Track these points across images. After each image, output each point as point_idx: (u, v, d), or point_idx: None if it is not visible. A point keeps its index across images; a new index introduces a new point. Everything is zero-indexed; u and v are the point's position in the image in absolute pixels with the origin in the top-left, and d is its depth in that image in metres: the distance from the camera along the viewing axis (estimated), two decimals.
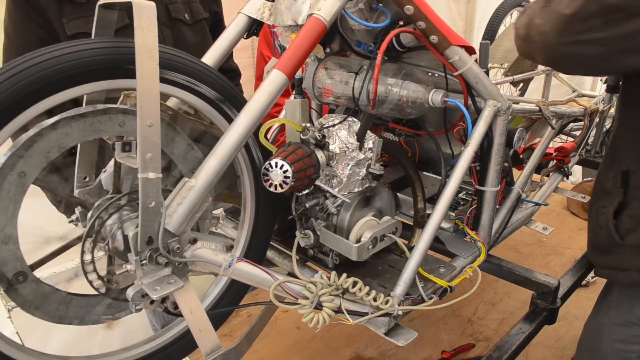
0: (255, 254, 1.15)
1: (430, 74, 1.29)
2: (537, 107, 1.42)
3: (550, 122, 1.43)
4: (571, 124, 2.00)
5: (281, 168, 0.97)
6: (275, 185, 0.98)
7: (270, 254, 1.32)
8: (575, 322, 1.90)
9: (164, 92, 0.93)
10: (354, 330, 1.61)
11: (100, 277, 0.88)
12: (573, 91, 2.93)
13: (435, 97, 1.15)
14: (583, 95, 2.84)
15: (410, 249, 1.22)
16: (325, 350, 1.75)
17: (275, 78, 0.92)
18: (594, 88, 5.63)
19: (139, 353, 1.02)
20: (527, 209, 1.56)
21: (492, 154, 1.23)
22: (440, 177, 1.63)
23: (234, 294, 1.11)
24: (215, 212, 1.47)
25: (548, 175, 1.80)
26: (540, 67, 2.77)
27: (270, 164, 0.97)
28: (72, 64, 0.81)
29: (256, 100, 0.91)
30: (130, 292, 0.87)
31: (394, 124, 1.50)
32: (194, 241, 0.91)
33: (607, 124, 2.17)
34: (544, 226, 1.53)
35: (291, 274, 1.26)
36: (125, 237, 0.86)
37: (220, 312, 1.07)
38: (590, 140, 2.14)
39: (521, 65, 2.69)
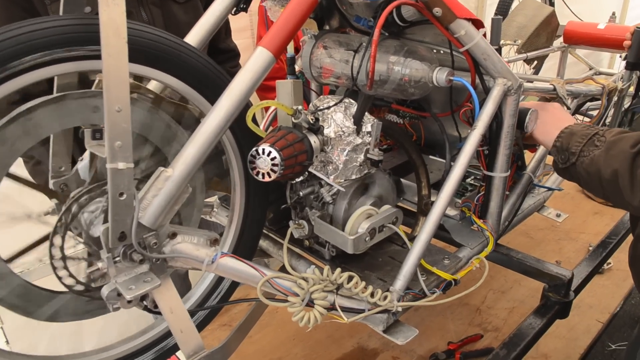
0: (246, 245, 1.09)
1: (435, 50, 1.20)
2: (551, 86, 1.32)
3: (565, 102, 1.32)
4: (588, 104, 1.89)
5: (268, 155, 0.89)
6: (263, 174, 0.90)
7: (264, 244, 1.25)
8: (589, 311, 1.81)
9: (140, 74, 0.86)
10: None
11: (71, 274, 0.82)
12: (590, 69, 2.80)
13: (440, 75, 1.06)
14: (600, 73, 2.71)
15: (412, 239, 1.14)
16: (327, 340, 1.69)
17: (259, 56, 0.84)
18: (611, 65, 5.46)
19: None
20: (539, 194, 1.47)
21: (502, 137, 1.14)
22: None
23: (224, 289, 1.05)
24: (209, 200, 1.41)
25: None
26: (556, 44, 2.65)
27: (257, 150, 0.90)
28: (34, 43, 0.74)
29: (239, 82, 0.83)
30: (105, 291, 0.80)
31: (397, 106, 1.41)
32: (173, 235, 0.84)
33: (626, 102, 2.06)
34: (557, 213, 1.44)
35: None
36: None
37: (207, 309, 1.01)
38: (608, 120, 2.03)
39: (535, 42, 2.56)
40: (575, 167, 1.06)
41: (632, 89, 2.02)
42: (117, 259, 0.79)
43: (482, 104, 1.10)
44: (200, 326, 1.03)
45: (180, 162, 0.80)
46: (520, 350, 1.07)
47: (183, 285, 2.11)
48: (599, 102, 1.85)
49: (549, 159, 1.62)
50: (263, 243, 1.26)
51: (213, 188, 1.16)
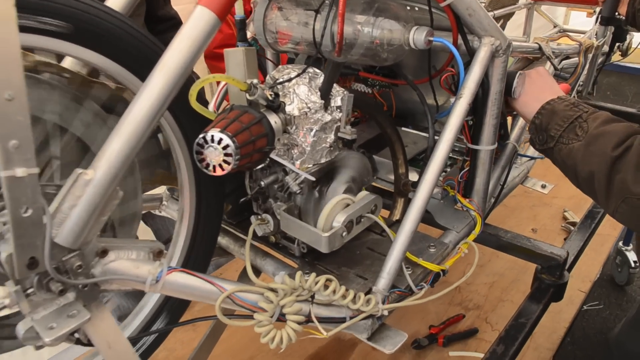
0: (201, 249, 0.92)
1: (409, 7, 1.03)
2: (536, 44, 1.18)
3: (553, 61, 1.20)
4: (562, 62, 1.78)
5: (219, 143, 0.71)
6: (214, 166, 0.73)
7: (224, 241, 1.09)
8: (570, 280, 1.74)
9: (46, 49, 0.67)
10: None
11: None
12: (554, 27, 2.70)
13: (418, 36, 0.90)
14: (565, 31, 2.61)
15: (392, 225, 1.00)
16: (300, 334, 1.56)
17: (199, 18, 0.66)
18: (566, 22, 5.44)
19: None
20: (522, 164, 1.36)
21: (488, 105, 1.00)
22: (422, 134, 1.43)
23: (174, 305, 0.88)
24: (154, 192, 1.22)
25: None
26: (522, 1, 2.52)
27: (204, 138, 0.72)
28: None
29: (174, 52, 0.65)
30: (20, 329, 0.63)
31: (365, 73, 1.25)
32: (103, 253, 0.66)
33: (600, 61, 1.97)
34: (542, 183, 1.33)
35: (253, 266, 1.04)
36: None
37: (154, 333, 0.84)
38: (581, 79, 1.94)
39: None
40: (552, 151, 0.94)
41: (606, 47, 1.93)
42: (30, 290, 0.61)
43: (465, 68, 0.95)
44: (149, 352, 0.87)
45: (104, 160, 0.62)
46: (518, 344, 0.97)
47: None
48: (572, 60, 1.75)
49: None
50: (222, 240, 1.09)
51: (159, 182, 0.98)
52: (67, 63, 0.79)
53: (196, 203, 0.89)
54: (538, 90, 1.03)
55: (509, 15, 2.46)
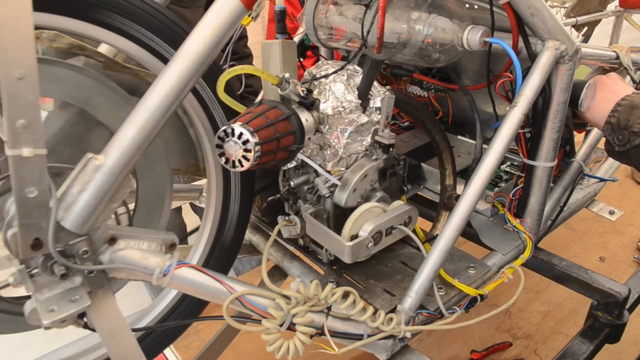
0: (223, 247, 0.90)
1: (467, 5, 0.95)
2: (613, 53, 1.05)
3: (631, 73, 1.06)
4: None
5: (239, 137, 0.68)
6: (234, 162, 0.70)
7: (255, 239, 1.07)
8: (636, 319, 1.56)
9: (81, 33, 0.66)
10: None
11: None
12: None
13: (472, 36, 0.83)
14: None
15: (433, 239, 0.93)
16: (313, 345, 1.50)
17: (224, 6, 0.62)
18: None
19: None
20: (589, 185, 1.23)
21: (549, 117, 0.90)
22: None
23: (193, 302, 0.86)
24: (197, 183, 1.22)
25: None
26: (610, 7, 2.32)
27: (224, 131, 0.69)
28: None
29: (195, 41, 0.62)
30: (26, 308, 0.63)
31: (419, 75, 1.17)
32: (112, 240, 0.65)
33: None
34: (610, 209, 1.19)
35: (279, 267, 1.01)
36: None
37: (167, 326, 0.83)
38: None
39: (587, 4, 2.24)
40: (638, 150, 0.82)
41: None
42: (35, 271, 0.61)
43: (525, 74, 0.86)
44: (160, 347, 0.85)
45: (115, 147, 0.60)
46: None
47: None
48: None
49: (601, 144, 1.37)
50: (253, 237, 1.07)
51: (191, 173, 0.97)
52: (102, 48, 0.79)
53: (223, 199, 0.86)
54: (609, 92, 0.92)
55: (595, 23, 2.26)
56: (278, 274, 1.05)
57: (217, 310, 0.72)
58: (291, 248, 1.01)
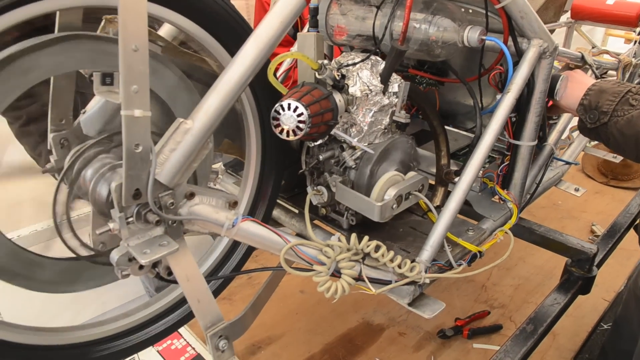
0: (260, 213, 1.01)
1: (463, 9, 1.12)
2: (579, 53, 1.25)
3: (594, 70, 1.26)
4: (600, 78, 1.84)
5: (295, 111, 0.81)
6: (288, 132, 0.82)
7: (275, 212, 1.18)
8: (595, 289, 1.77)
9: (153, 15, 0.77)
10: (361, 294, 1.50)
11: (77, 237, 0.74)
12: (592, 47, 2.75)
13: (472, 34, 0.99)
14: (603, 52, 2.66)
15: (436, 209, 1.08)
16: (331, 315, 1.64)
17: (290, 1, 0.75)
18: (604, 44, 5.44)
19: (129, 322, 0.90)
20: (557, 167, 1.42)
21: (532, 104, 1.07)
22: (462, 132, 1.50)
23: (238, 257, 0.97)
24: (214, 165, 1.32)
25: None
26: (563, 19, 2.58)
27: (282, 105, 0.81)
28: None
29: (267, 27, 0.75)
30: (114, 255, 0.72)
31: (414, 70, 1.33)
32: (191, 196, 0.76)
33: (636, 80, 2.02)
34: (575, 187, 1.39)
35: (300, 235, 1.13)
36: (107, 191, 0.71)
37: (220, 278, 0.93)
38: None
39: (543, 15, 2.49)
40: (606, 127, 0.99)
41: None
42: (130, 219, 0.71)
43: (514, 68, 1.03)
44: (215, 295, 0.96)
45: (202, 112, 0.72)
46: (546, 325, 1.03)
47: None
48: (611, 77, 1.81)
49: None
50: (275, 212, 1.18)
51: (224, 151, 1.08)
52: (163, 32, 0.89)
53: (260, 169, 0.98)
54: (578, 83, 1.10)
55: (550, 32, 2.52)
56: None
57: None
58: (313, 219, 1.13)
